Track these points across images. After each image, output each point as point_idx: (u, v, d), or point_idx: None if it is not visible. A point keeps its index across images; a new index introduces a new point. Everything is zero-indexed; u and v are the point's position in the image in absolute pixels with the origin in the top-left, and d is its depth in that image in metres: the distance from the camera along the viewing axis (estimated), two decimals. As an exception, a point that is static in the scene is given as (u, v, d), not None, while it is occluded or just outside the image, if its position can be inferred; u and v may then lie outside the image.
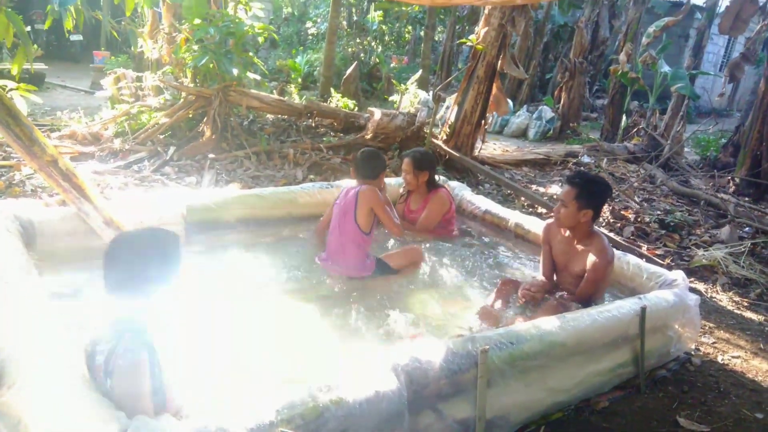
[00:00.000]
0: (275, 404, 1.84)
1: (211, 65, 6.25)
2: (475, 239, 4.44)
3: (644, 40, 10.06)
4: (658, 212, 6.10)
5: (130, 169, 5.81)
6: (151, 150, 6.24)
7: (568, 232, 3.35)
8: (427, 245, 4.10)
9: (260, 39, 7.07)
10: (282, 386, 2.04)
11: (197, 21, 6.30)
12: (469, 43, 6.65)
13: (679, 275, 3.46)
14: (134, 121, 6.79)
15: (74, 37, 13.97)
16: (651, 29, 9.91)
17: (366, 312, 3.20)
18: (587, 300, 3.24)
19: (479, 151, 7.42)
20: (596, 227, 3.39)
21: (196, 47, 6.42)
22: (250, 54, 6.80)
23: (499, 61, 6.68)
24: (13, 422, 1.65)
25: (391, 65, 16.29)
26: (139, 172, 5.73)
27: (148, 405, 1.75)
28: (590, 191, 3.19)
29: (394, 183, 4.85)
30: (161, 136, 6.52)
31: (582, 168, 7.69)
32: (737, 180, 7.63)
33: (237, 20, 6.46)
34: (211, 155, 6.15)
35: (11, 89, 4.35)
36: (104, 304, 1.87)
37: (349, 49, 15.19)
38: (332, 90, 9.50)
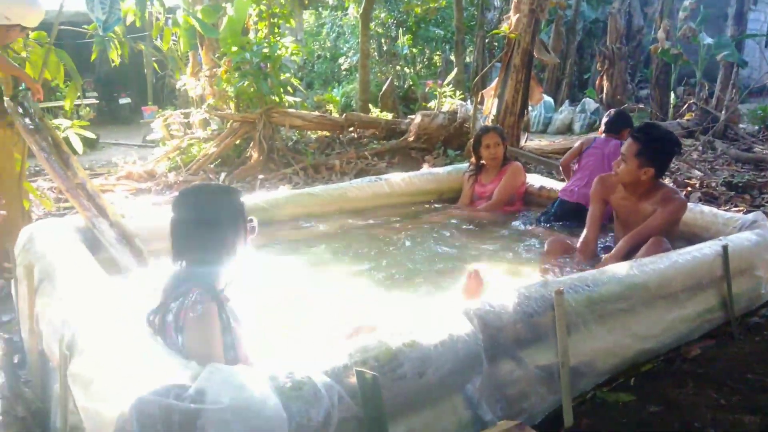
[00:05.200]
0: (348, 348, 1.77)
1: (252, 89, 6.41)
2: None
3: (681, 14, 9.76)
4: (724, 176, 5.79)
5: (184, 196, 5.94)
6: (203, 179, 6.40)
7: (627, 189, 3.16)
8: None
9: (294, 58, 7.22)
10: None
11: (234, 49, 6.50)
12: (502, 33, 6.59)
13: (758, 216, 3.24)
14: (185, 155, 7.00)
15: (123, 101, 14.60)
16: (686, 2, 9.61)
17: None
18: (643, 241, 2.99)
19: (525, 142, 7.28)
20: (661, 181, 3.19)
21: (236, 74, 6.61)
22: (288, 75, 6.94)
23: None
24: (86, 383, 1.65)
25: (426, 90, 16.31)
26: (193, 198, 5.86)
27: (220, 356, 1.71)
28: (654, 148, 2.98)
29: (442, 171, 4.87)
30: (212, 165, 6.69)
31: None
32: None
33: (270, 43, 6.62)
34: (260, 176, 6.26)
35: (66, 127, 4.56)
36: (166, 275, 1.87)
37: (382, 76, 15.27)
38: (370, 107, 9.58)
